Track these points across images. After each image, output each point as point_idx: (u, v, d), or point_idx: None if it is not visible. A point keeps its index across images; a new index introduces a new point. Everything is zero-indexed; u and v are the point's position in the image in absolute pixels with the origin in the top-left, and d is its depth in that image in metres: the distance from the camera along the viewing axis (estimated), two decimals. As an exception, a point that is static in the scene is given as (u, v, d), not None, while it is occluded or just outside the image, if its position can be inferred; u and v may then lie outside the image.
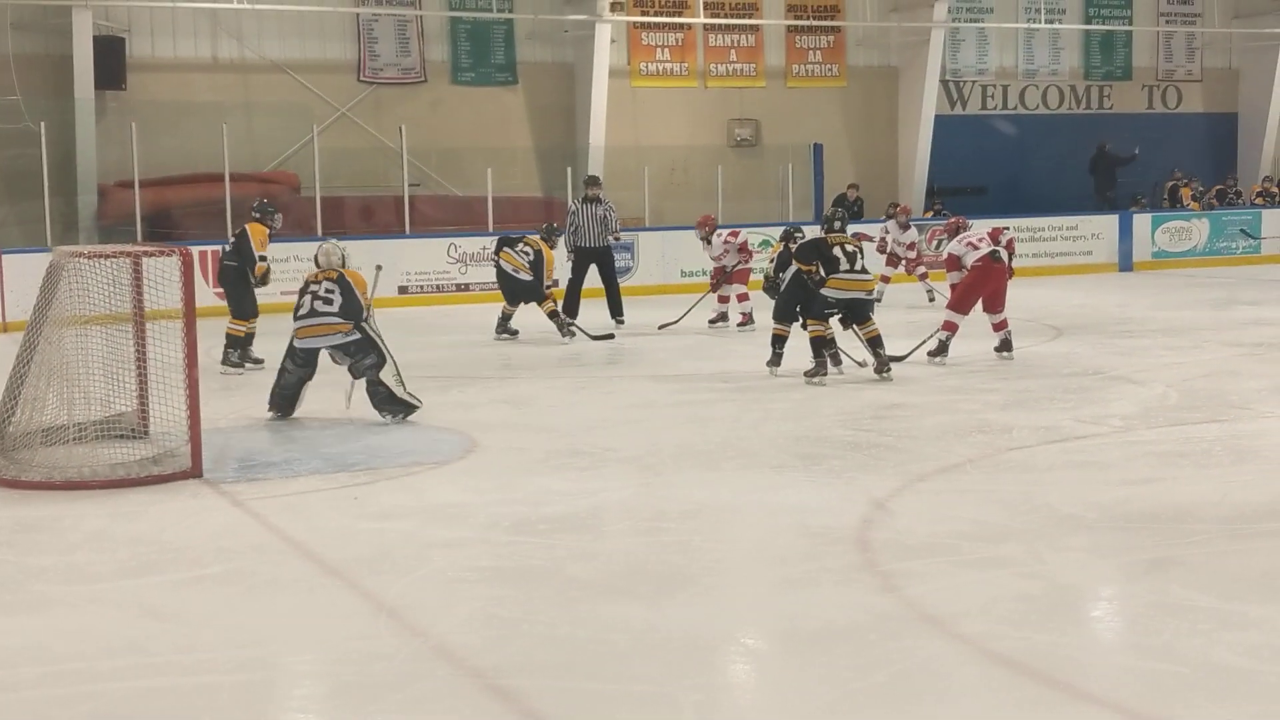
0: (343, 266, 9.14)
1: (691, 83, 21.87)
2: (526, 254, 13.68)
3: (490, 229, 18.65)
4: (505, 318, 14.01)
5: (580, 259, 14.91)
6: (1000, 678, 4.36)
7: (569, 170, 19.57)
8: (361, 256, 17.56)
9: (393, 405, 8.87)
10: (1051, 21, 23.82)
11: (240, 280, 11.68)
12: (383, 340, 9.01)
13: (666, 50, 21.68)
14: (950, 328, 11.35)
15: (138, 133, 17.21)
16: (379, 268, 9.77)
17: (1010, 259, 11.67)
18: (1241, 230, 22.15)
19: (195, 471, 7.38)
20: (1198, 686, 4.26)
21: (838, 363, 10.81)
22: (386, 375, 8.85)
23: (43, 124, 16.68)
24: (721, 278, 14.55)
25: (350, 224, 18.50)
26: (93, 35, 17.60)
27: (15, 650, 4.71)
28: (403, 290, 17.76)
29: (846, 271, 10.55)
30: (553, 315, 13.67)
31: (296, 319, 9.08)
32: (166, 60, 18.96)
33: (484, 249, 18.27)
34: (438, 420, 9.01)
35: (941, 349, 11.28)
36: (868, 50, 22.85)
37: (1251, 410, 9.08)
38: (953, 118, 23.19)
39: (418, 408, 8.94)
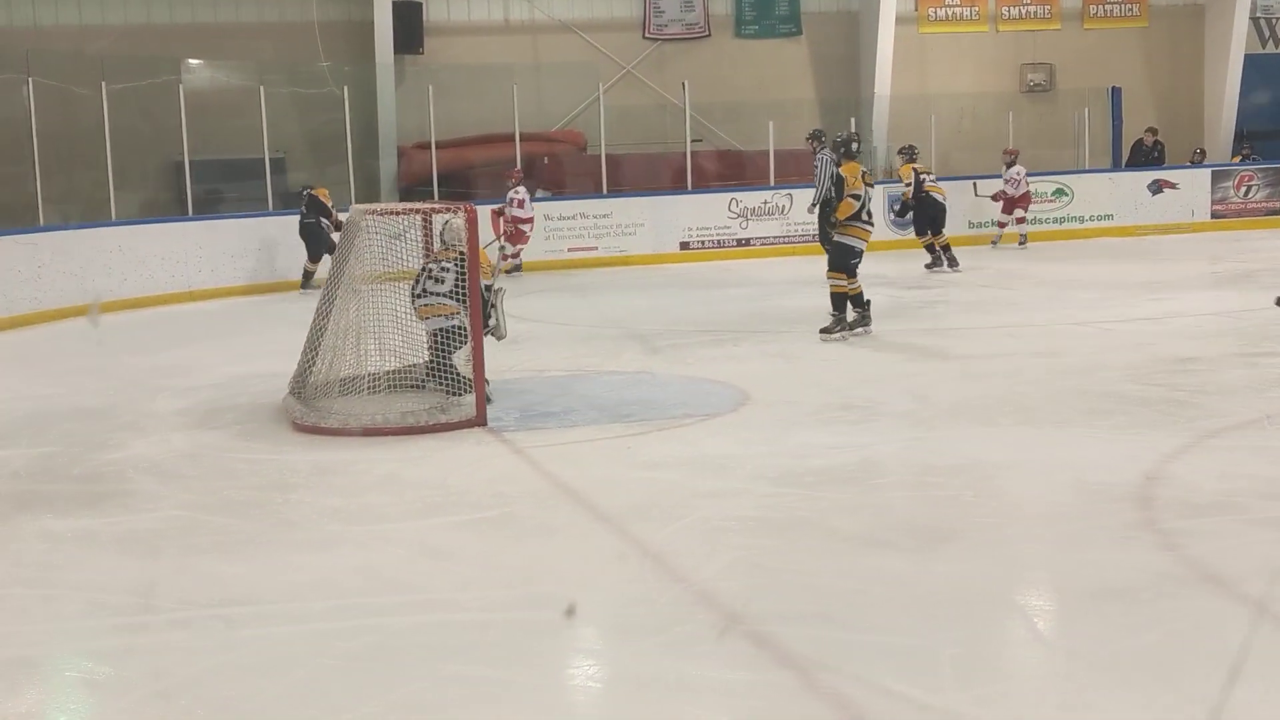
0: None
1: (982, 27, 21.26)
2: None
3: (771, 183, 18.64)
4: (945, 247, 15.66)
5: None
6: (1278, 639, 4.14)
7: (852, 121, 19.34)
8: (646, 212, 18.00)
9: (455, 385, 8.06)
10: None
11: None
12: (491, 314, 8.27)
13: (956, -5, 21.13)
14: None
15: (434, 95, 17.88)
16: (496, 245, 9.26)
17: None
18: None
19: (480, 420, 7.66)
20: None
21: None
22: (458, 358, 8.08)
23: (345, 89, 17.54)
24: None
25: (633, 181, 18.78)
26: (392, 2, 18.37)
27: (305, 585, 5.01)
28: (684, 246, 17.97)
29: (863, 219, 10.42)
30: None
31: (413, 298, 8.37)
32: (461, 24, 19.64)
33: (765, 203, 18.30)
34: (710, 373, 9.08)
35: None
36: (1170, -13, 21.74)
37: None
38: (1264, 56, 21.79)
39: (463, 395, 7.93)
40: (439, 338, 8.30)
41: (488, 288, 8.32)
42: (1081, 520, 5.48)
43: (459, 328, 8.12)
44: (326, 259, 13.38)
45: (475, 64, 19.24)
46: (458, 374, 8.08)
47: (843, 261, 10.43)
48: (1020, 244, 18.15)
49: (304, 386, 8.32)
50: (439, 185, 18.04)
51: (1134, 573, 4.73)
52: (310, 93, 18.12)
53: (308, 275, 15.49)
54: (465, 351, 7.97)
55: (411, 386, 8.42)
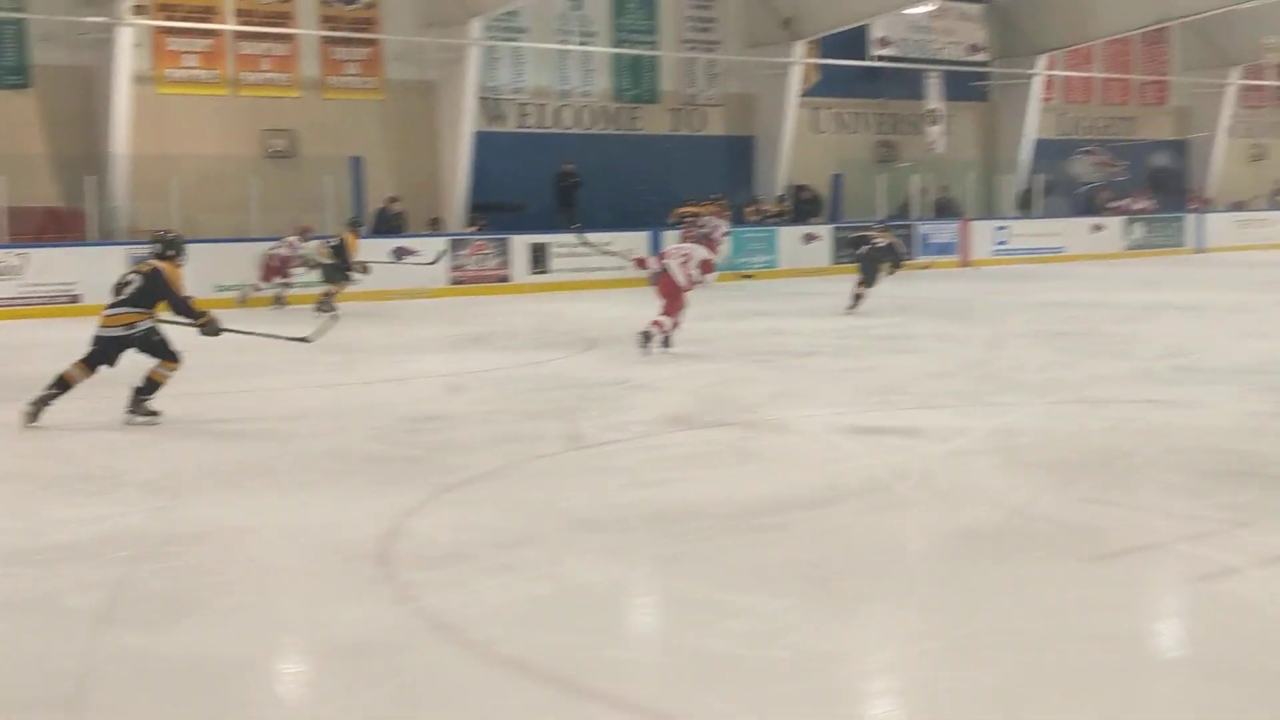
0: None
1: (222, 91, 21.20)
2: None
3: (7, 240, 17.46)
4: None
5: None
6: (504, 680, 4.44)
7: (95, 180, 18.58)
8: None
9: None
10: (583, 44, 24.64)
11: None
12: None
13: (195, 56, 20.90)
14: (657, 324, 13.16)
15: None
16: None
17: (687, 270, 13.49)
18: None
19: None
20: (689, 675, 4.48)
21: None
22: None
23: None
24: None
25: None
26: None
27: None
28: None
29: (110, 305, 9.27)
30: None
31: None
32: None
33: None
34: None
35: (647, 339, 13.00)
36: (405, 64, 22.82)
37: (758, 414, 9.69)
38: (493, 133, 23.54)
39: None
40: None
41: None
42: (323, 579, 5.59)
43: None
44: None
45: None
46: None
47: None
48: (278, 304, 18.93)
49: None
50: None
51: (371, 627, 4.90)
52: None
53: None
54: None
55: None
